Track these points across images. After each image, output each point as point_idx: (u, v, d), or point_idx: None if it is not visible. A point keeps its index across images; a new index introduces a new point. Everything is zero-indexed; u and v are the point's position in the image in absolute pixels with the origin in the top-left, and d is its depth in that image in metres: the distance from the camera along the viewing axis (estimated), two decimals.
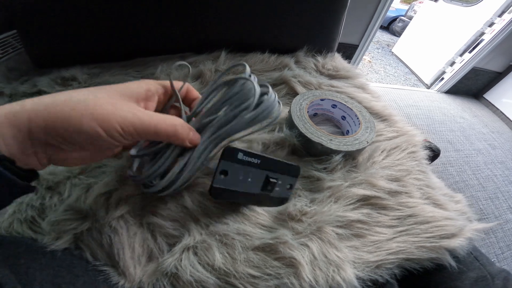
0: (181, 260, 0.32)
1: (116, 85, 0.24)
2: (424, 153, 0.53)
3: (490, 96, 1.96)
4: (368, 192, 0.41)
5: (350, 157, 0.46)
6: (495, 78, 1.93)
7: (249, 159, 0.32)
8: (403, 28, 3.28)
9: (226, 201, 0.37)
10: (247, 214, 0.37)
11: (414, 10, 4.24)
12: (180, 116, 0.31)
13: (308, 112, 0.49)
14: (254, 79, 0.30)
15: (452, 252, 0.38)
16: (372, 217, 0.39)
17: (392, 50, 3.27)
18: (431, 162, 1.12)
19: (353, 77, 0.70)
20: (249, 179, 0.33)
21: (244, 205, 0.38)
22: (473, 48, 1.86)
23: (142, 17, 0.59)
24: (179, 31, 0.63)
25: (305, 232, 0.35)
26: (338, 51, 0.86)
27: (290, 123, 0.47)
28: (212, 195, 0.31)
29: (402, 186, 0.44)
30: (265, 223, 0.37)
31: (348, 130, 0.52)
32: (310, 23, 0.72)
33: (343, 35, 0.87)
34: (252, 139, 0.46)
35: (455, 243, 0.38)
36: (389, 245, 0.37)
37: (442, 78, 2.05)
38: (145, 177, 0.29)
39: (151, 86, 0.27)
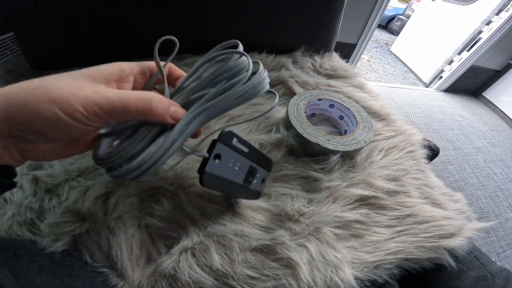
0: (179, 262, 0.32)
1: (85, 68, 0.22)
2: (423, 152, 0.53)
3: (489, 94, 1.96)
4: (366, 192, 0.41)
5: (348, 157, 0.46)
6: (493, 76, 1.94)
7: (241, 147, 0.32)
8: (401, 27, 3.28)
9: (222, 203, 0.37)
10: (244, 215, 0.37)
11: (412, 8, 4.24)
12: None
13: (305, 112, 0.49)
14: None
15: (451, 252, 0.38)
16: (370, 217, 0.39)
17: (391, 49, 3.27)
18: (430, 161, 1.13)
19: (351, 77, 0.70)
20: (236, 168, 0.32)
21: (225, 195, 0.37)
22: (471, 47, 1.87)
23: (141, 17, 0.59)
24: (179, 31, 0.63)
25: (303, 232, 0.35)
26: (336, 50, 0.86)
27: (287, 123, 0.47)
28: (203, 181, 0.28)
29: (400, 185, 0.44)
30: (263, 224, 0.37)
31: (346, 130, 0.53)
32: (307, 23, 0.72)
33: (341, 35, 0.87)
34: (248, 139, 0.46)
35: (454, 242, 0.38)
36: (388, 245, 0.37)
37: (441, 77, 2.05)
38: (112, 158, 0.23)
39: (125, 67, 0.25)
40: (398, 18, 4.30)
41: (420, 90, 1.95)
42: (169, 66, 0.29)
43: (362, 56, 2.42)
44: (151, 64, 0.27)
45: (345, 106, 0.52)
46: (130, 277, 0.32)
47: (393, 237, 0.38)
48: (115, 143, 0.26)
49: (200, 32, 0.65)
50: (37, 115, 0.18)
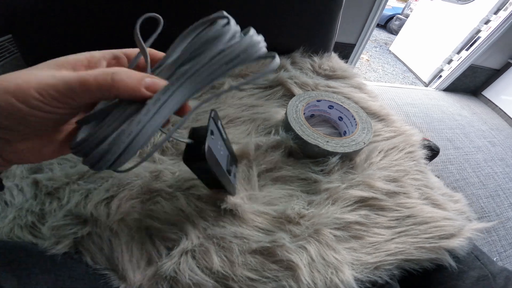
0: (179, 264, 0.32)
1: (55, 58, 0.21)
2: (422, 153, 0.53)
3: (488, 93, 1.96)
4: (365, 193, 0.41)
5: (347, 158, 0.46)
6: (493, 75, 1.93)
7: (223, 132, 0.32)
8: (400, 26, 3.28)
9: (221, 205, 0.38)
10: (244, 217, 0.37)
11: (410, 8, 4.24)
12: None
13: (304, 113, 0.49)
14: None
15: (451, 252, 0.38)
16: (370, 218, 0.39)
17: (390, 49, 3.27)
18: (430, 161, 1.13)
19: (350, 77, 0.70)
20: (221, 152, 0.32)
21: (209, 183, 0.36)
22: (470, 46, 1.87)
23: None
24: (179, 32, 0.63)
25: (302, 235, 0.36)
26: (335, 50, 0.86)
27: (286, 125, 0.47)
28: (204, 157, 0.27)
29: (400, 186, 0.44)
30: (263, 226, 0.37)
31: (345, 131, 0.53)
32: (306, 23, 0.73)
33: (339, 35, 0.87)
34: (247, 142, 0.46)
35: (454, 243, 0.38)
36: (388, 246, 0.37)
37: (440, 76, 2.05)
38: (85, 143, 0.21)
39: (96, 53, 0.23)
40: (397, 18, 4.30)
41: (419, 90, 1.95)
42: (149, 51, 0.26)
43: (361, 55, 2.43)
44: (128, 49, 0.25)
45: (344, 107, 0.52)
46: (131, 279, 0.32)
47: (393, 238, 0.38)
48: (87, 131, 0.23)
49: None
50: None
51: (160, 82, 0.21)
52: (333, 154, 0.43)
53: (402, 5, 4.67)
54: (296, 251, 0.33)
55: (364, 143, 0.45)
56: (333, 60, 0.77)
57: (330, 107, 0.54)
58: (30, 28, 0.59)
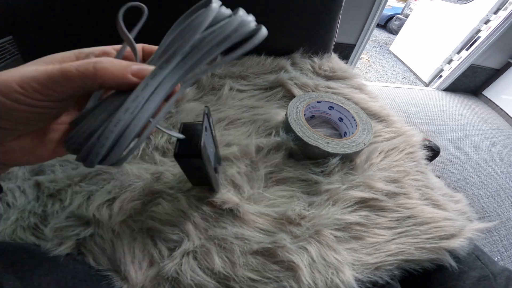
0: (181, 265, 0.33)
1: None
2: (423, 153, 0.53)
3: (489, 93, 1.96)
4: (366, 194, 0.41)
5: (348, 159, 0.46)
6: (493, 75, 1.93)
7: (213, 129, 0.33)
8: (400, 26, 3.28)
9: (223, 206, 0.38)
10: (245, 218, 0.37)
11: (410, 8, 4.23)
12: None
13: (305, 114, 0.49)
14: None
15: (452, 253, 0.38)
16: (370, 219, 0.40)
17: (390, 49, 3.27)
18: (431, 161, 1.13)
19: (350, 78, 0.70)
20: (211, 149, 0.32)
21: (197, 181, 0.37)
22: (470, 46, 1.87)
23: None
24: None
25: (303, 235, 0.36)
26: (335, 51, 0.86)
27: (287, 126, 0.48)
28: (199, 153, 0.27)
29: (400, 187, 0.44)
30: (264, 227, 0.37)
31: (345, 132, 0.53)
32: (305, 24, 0.73)
33: (339, 35, 0.87)
34: (247, 144, 0.46)
35: (455, 243, 0.38)
36: (388, 246, 0.37)
37: (440, 76, 2.05)
38: (74, 138, 0.20)
39: (84, 49, 0.23)
40: (397, 18, 4.30)
41: (420, 90, 1.95)
42: (142, 47, 0.25)
43: (362, 56, 2.43)
44: (119, 46, 0.25)
45: (344, 108, 0.52)
46: (133, 280, 0.32)
47: (394, 239, 0.38)
48: None
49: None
50: None
51: (148, 67, 0.20)
52: (334, 155, 0.44)
53: (402, 5, 4.67)
54: (297, 252, 0.34)
55: (365, 144, 0.45)
56: (333, 61, 0.78)
57: (331, 108, 0.54)
58: (31, 29, 0.60)
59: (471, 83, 1.98)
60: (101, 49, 0.24)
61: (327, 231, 0.36)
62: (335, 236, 0.37)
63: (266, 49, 0.72)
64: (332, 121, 0.56)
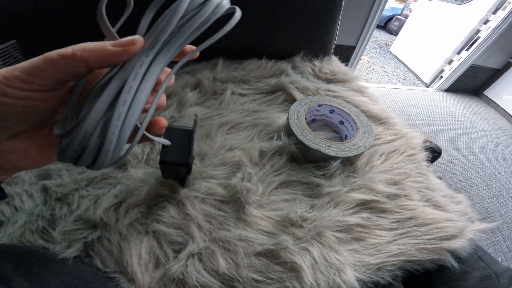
0: (187, 267, 0.33)
1: None
2: (424, 155, 0.54)
3: (490, 93, 1.96)
4: (367, 196, 0.42)
5: (349, 162, 0.47)
6: (494, 75, 1.93)
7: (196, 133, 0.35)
8: (400, 27, 3.28)
9: (226, 209, 0.39)
10: (248, 220, 0.38)
11: (409, 8, 4.22)
12: None
13: (306, 118, 0.50)
14: None
15: (453, 253, 0.38)
16: (371, 220, 0.40)
17: (390, 50, 3.27)
18: (432, 162, 1.13)
19: (350, 80, 0.71)
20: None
21: (171, 178, 0.40)
22: (470, 46, 1.87)
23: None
24: None
25: (305, 237, 0.36)
26: (335, 53, 0.87)
27: (288, 130, 0.48)
28: (187, 166, 0.31)
29: (401, 189, 0.45)
30: (266, 229, 0.38)
31: (346, 135, 0.53)
32: (305, 27, 0.74)
33: (339, 37, 0.87)
34: (250, 148, 0.47)
35: (456, 244, 0.38)
36: (390, 247, 0.38)
37: (441, 77, 2.05)
38: (65, 154, 0.19)
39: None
40: (396, 18, 4.30)
41: (421, 91, 1.95)
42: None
43: (362, 57, 2.43)
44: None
45: (345, 111, 0.53)
46: (140, 281, 0.33)
47: (395, 240, 0.39)
48: None
49: (200, 38, 0.66)
50: None
51: (126, 38, 0.19)
52: (335, 158, 0.44)
53: (401, 6, 4.68)
54: (299, 253, 0.34)
55: (365, 147, 0.46)
56: (334, 64, 0.78)
57: (331, 111, 0.55)
58: (34, 33, 0.60)
59: (472, 83, 1.98)
60: None
61: (328, 232, 0.37)
62: (336, 238, 0.37)
63: (267, 52, 0.72)
64: (333, 124, 0.57)
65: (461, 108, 1.79)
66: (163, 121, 0.25)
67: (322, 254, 0.35)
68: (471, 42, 1.89)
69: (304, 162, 0.47)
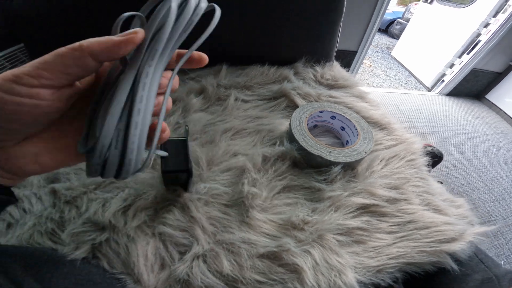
0: (192, 268, 0.34)
1: None
2: (424, 160, 0.54)
3: (492, 96, 1.95)
4: (367, 200, 0.43)
5: (349, 167, 0.48)
6: (495, 78, 1.93)
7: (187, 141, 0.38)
8: (401, 31, 3.27)
9: (229, 212, 0.40)
10: (251, 223, 0.39)
11: (410, 12, 4.22)
12: None
13: (308, 124, 0.51)
14: None
15: (453, 256, 0.39)
16: (372, 224, 0.41)
17: (392, 54, 3.27)
18: (434, 167, 1.13)
19: (351, 86, 0.72)
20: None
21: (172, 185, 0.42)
22: (471, 49, 1.86)
23: None
24: (183, 44, 0.65)
25: (307, 240, 0.38)
26: (337, 58, 0.88)
27: (290, 136, 0.50)
28: (189, 173, 0.34)
29: (401, 193, 0.46)
30: (269, 232, 0.39)
31: (347, 141, 0.55)
32: (307, 33, 0.75)
33: (340, 42, 0.88)
34: (253, 153, 0.48)
35: (455, 247, 0.39)
36: (390, 250, 0.39)
37: (443, 81, 2.05)
38: (91, 170, 0.20)
39: None
40: (398, 22, 4.30)
41: (422, 95, 1.95)
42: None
43: (364, 61, 2.44)
44: None
45: (346, 118, 0.54)
46: (146, 282, 0.34)
47: (395, 243, 0.40)
48: None
49: (204, 45, 0.67)
50: None
51: (131, 30, 0.19)
52: (336, 163, 0.45)
53: (403, 9, 4.68)
54: (301, 255, 0.35)
55: (366, 152, 0.47)
56: (335, 69, 0.80)
57: (333, 117, 0.56)
58: (42, 36, 0.62)
59: (474, 87, 1.98)
60: None
61: (329, 235, 0.38)
62: (337, 240, 0.38)
63: (269, 58, 0.74)
64: (335, 130, 0.58)
65: (463, 113, 1.79)
66: (167, 134, 0.26)
67: (323, 256, 0.36)
68: (472, 46, 1.89)
69: (306, 168, 0.48)
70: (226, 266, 0.34)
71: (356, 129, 0.52)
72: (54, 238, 0.37)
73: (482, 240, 0.41)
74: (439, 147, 1.25)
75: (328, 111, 0.55)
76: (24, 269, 0.28)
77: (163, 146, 0.37)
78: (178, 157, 0.37)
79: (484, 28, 1.81)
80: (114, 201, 0.39)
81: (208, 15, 0.23)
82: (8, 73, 0.17)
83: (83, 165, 0.45)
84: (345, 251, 0.37)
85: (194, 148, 0.48)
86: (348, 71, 0.82)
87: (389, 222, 0.42)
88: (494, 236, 1.02)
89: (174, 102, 0.59)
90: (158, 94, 0.23)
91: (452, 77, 1.93)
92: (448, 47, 2.07)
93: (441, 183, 1.03)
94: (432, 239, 0.40)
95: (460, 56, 1.98)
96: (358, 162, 0.48)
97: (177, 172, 0.36)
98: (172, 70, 0.24)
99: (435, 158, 1.09)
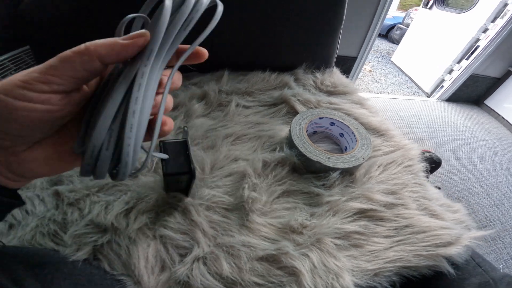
0: (192, 270, 0.35)
1: None
2: (421, 166, 0.55)
3: (491, 102, 1.96)
4: (364, 205, 0.44)
5: (348, 173, 0.49)
6: (494, 84, 1.94)
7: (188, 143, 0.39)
8: (401, 36, 3.27)
9: (230, 216, 0.41)
10: (251, 227, 0.40)
11: (410, 17, 4.23)
12: None
13: (307, 130, 0.52)
14: None
15: (450, 260, 0.39)
16: (369, 228, 0.42)
17: (391, 59, 3.28)
18: (432, 172, 1.14)
19: (351, 93, 0.73)
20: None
21: (175, 190, 0.43)
22: (470, 55, 1.87)
23: None
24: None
25: (305, 243, 0.38)
26: (337, 64, 0.89)
27: (290, 142, 0.51)
28: (193, 174, 0.33)
29: (398, 198, 0.46)
30: (268, 235, 0.40)
31: (346, 147, 0.55)
32: (307, 40, 0.76)
33: (340, 48, 0.89)
34: (253, 158, 0.49)
35: (452, 251, 0.40)
36: (387, 254, 0.39)
37: (442, 86, 2.06)
38: (84, 170, 0.19)
39: None
40: (398, 27, 4.31)
41: (422, 101, 1.96)
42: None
43: (364, 66, 2.45)
44: None
45: (345, 124, 0.55)
46: (146, 284, 0.35)
47: (392, 247, 0.40)
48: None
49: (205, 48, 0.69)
50: None
51: (135, 32, 0.19)
52: (334, 169, 0.46)
53: (403, 15, 4.71)
54: (299, 258, 0.36)
55: (364, 158, 0.48)
56: (335, 76, 0.81)
57: (332, 124, 0.57)
58: (49, 39, 0.62)
59: (473, 92, 1.99)
60: None
61: (327, 239, 0.39)
62: (335, 244, 0.39)
63: (270, 64, 0.75)
64: (334, 136, 0.59)
65: (462, 118, 1.80)
66: (169, 127, 0.25)
67: (321, 260, 0.37)
68: (471, 51, 1.89)
69: (305, 173, 0.49)
70: (226, 268, 0.35)
71: (354, 136, 0.53)
72: (56, 240, 0.38)
73: (480, 245, 0.42)
74: (438, 153, 1.26)
75: (327, 117, 0.56)
76: (26, 269, 0.28)
77: (163, 148, 0.36)
78: (179, 158, 0.36)
79: (483, 34, 1.81)
80: (116, 203, 0.40)
81: (213, 11, 0.22)
82: (14, 78, 0.17)
83: None
84: (342, 254, 0.38)
85: (198, 153, 0.49)
86: (348, 77, 0.83)
87: (386, 227, 0.43)
88: (493, 240, 1.03)
89: (176, 107, 0.60)
90: (159, 93, 0.23)
91: (451, 82, 1.94)
92: (447, 52, 2.08)
93: (439, 188, 1.04)
94: (428, 243, 0.40)
95: (459, 62, 1.98)
96: (356, 168, 0.48)
97: (179, 174, 0.36)
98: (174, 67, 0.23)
99: (433, 164, 1.10)
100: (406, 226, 0.43)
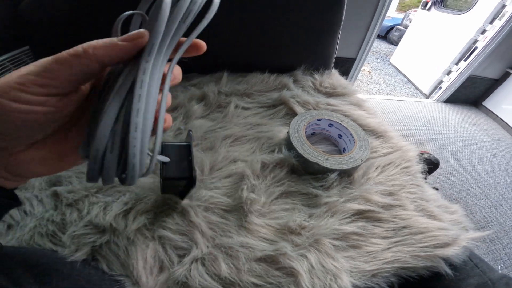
0: (190, 271, 0.35)
1: None
2: (419, 167, 0.55)
3: (489, 103, 1.97)
4: (362, 206, 0.44)
5: (346, 174, 0.49)
6: (492, 85, 1.95)
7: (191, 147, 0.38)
8: (400, 37, 3.28)
9: (228, 217, 0.41)
10: (249, 228, 0.40)
11: (409, 18, 4.25)
12: None
13: (306, 132, 0.52)
14: None
15: (447, 261, 0.40)
16: (367, 229, 0.42)
17: (390, 61, 3.28)
18: (430, 173, 1.14)
19: (349, 94, 0.74)
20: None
21: (171, 193, 0.42)
22: (468, 56, 1.87)
23: None
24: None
25: (303, 244, 0.38)
26: (336, 66, 0.89)
27: (288, 144, 0.51)
28: (194, 182, 0.33)
29: (396, 199, 0.47)
30: (267, 236, 0.40)
31: (344, 148, 0.56)
32: (306, 41, 0.76)
33: (339, 49, 0.89)
34: (252, 159, 0.49)
35: (449, 251, 0.40)
36: (385, 255, 0.39)
37: (440, 88, 2.06)
38: (91, 175, 0.18)
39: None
40: (397, 29, 4.33)
41: (420, 102, 1.97)
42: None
43: (363, 67, 2.46)
44: None
45: (343, 126, 0.55)
46: (145, 284, 0.35)
47: (390, 248, 0.40)
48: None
49: (206, 53, 0.69)
50: None
51: (133, 32, 0.19)
52: (332, 170, 0.47)
53: (402, 16, 4.73)
54: (297, 259, 0.36)
55: (362, 160, 0.48)
56: (334, 77, 0.81)
57: (330, 125, 0.57)
58: (49, 39, 0.63)
59: (471, 94, 2.00)
60: None
61: (325, 240, 0.39)
62: (333, 245, 0.39)
63: (269, 66, 0.75)
64: (332, 137, 0.59)
65: (460, 120, 1.80)
66: (168, 123, 0.24)
67: (319, 260, 0.37)
68: (469, 52, 1.89)
69: (303, 174, 0.49)
70: (224, 269, 0.35)
71: (352, 137, 0.53)
72: (55, 240, 0.38)
73: (478, 246, 0.42)
74: (436, 154, 1.26)
75: (326, 119, 0.56)
76: (24, 270, 0.28)
77: (164, 151, 0.35)
78: (181, 163, 0.35)
79: (481, 35, 1.82)
80: (115, 204, 0.40)
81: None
82: (10, 79, 0.17)
83: (84, 168, 0.45)
84: (340, 255, 0.38)
85: (197, 154, 0.49)
86: (346, 78, 0.83)
87: (384, 228, 0.43)
88: (491, 241, 1.03)
89: (175, 108, 0.60)
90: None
91: (449, 84, 1.94)
92: (446, 53, 2.08)
93: (437, 189, 1.04)
94: (426, 244, 0.41)
95: (457, 63, 1.98)
96: (354, 169, 0.49)
97: (179, 179, 0.35)
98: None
99: (431, 165, 1.10)
100: (404, 227, 0.43)
